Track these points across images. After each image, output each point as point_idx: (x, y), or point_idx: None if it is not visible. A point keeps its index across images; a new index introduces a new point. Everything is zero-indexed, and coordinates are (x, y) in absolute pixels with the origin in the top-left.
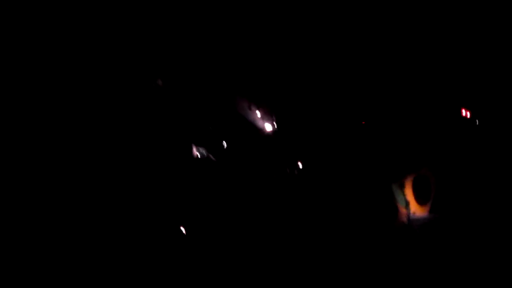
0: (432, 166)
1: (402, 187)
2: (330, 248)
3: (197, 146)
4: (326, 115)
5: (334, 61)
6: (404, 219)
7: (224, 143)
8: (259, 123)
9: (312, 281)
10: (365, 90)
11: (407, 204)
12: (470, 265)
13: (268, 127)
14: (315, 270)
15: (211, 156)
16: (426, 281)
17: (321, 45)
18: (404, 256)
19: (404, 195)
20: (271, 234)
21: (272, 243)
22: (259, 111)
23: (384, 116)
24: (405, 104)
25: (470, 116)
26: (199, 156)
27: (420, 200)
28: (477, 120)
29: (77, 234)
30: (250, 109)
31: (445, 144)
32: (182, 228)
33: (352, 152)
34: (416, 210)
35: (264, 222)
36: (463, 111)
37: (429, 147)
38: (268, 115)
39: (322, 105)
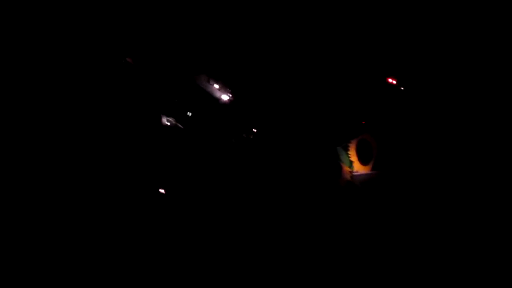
0: (373, 132)
1: (346, 149)
2: (281, 203)
3: (166, 116)
4: (276, 86)
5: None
6: (348, 176)
7: (189, 113)
8: (217, 94)
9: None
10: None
11: (351, 163)
12: (405, 215)
13: (225, 97)
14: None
15: (178, 124)
16: (365, 229)
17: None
18: (347, 207)
19: (348, 156)
20: (229, 190)
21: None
22: (217, 84)
23: (329, 87)
24: (346, 76)
25: (398, 85)
26: (168, 124)
27: (362, 160)
28: (402, 88)
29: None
30: (209, 82)
31: (383, 113)
32: (161, 190)
33: (302, 118)
34: (359, 168)
35: (225, 179)
36: (391, 80)
37: (369, 116)
38: (225, 87)
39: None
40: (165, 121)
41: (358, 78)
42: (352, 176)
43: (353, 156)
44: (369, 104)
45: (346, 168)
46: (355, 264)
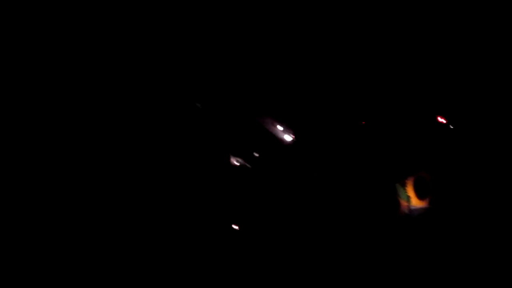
0: (429, 168)
1: (404, 185)
2: (343, 235)
3: (234, 156)
4: (335, 121)
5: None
6: (406, 210)
7: (256, 153)
8: (280, 135)
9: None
10: (364, 97)
11: (408, 199)
12: (463, 249)
13: (288, 138)
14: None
15: (247, 164)
16: (424, 263)
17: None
18: (406, 240)
19: (406, 192)
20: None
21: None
22: (280, 125)
23: (386, 127)
24: (403, 115)
25: (449, 122)
26: (237, 164)
27: (419, 196)
28: (453, 126)
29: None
30: (272, 124)
31: (438, 150)
32: (234, 226)
33: (363, 159)
34: (416, 203)
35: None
36: (443, 119)
37: (425, 153)
38: (287, 128)
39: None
40: (234, 161)
41: (413, 119)
42: (410, 210)
43: (410, 191)
44: (425, 144)
45: (404, 203)
46: None
